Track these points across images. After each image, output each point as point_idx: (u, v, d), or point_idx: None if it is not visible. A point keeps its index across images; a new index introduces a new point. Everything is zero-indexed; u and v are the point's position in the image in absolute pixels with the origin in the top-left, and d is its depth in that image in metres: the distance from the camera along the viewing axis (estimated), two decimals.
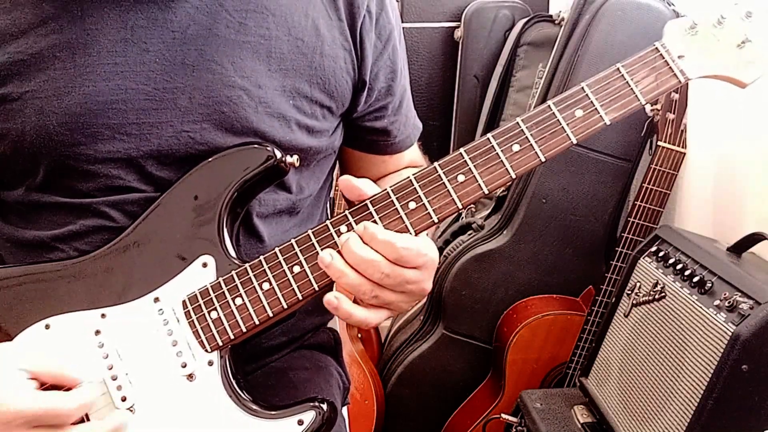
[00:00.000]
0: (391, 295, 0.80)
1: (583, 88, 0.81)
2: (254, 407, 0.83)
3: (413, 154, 1.11)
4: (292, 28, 0.91)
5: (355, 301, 0.81)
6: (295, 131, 0.91)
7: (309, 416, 0.82)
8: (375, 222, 0.81)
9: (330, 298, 0.78)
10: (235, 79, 0.88)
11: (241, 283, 0.83)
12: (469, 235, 1.86)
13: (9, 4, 0.86)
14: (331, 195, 1.13)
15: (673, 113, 1.50)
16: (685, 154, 1.51)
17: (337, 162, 1.10)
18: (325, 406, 0.82)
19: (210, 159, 0.87)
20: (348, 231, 0.81)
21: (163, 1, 0.86)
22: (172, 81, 0.86)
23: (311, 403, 0.83)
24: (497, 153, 0.81)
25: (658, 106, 1.51)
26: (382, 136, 1.05)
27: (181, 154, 0.87)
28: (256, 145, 0.87)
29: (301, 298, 0.82)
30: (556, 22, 2.01)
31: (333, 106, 0.96)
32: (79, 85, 0.85)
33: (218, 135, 0.87)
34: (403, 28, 1.12)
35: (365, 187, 0.81)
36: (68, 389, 0.80)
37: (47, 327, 0.85)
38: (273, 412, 0.83)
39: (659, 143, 1.51)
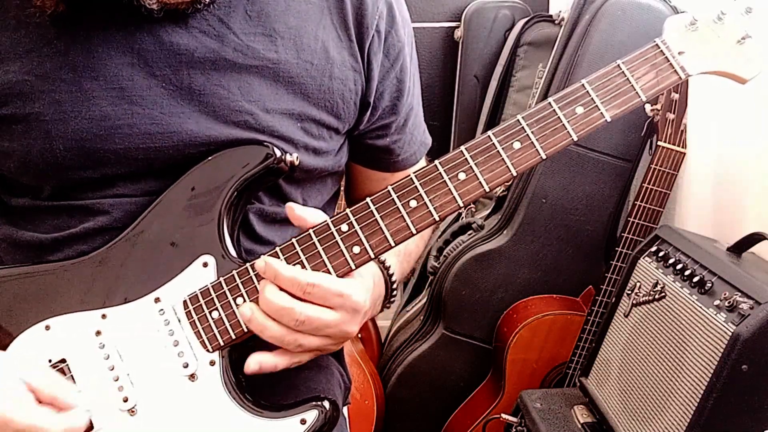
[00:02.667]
0: (314, 341, 0.82)
1: (583, 84, 0.81)
2: (256, 407, 0.83)
3: None
4: (302, 51, 0.90)
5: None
6: (302, 153, 0.91)
7: (311, 415, 0.82)
8: (377, 221, 0.81)
9: (253, 367, 0.81)
10: (242, 104, 0.87)
11: (242, 282, 0.83)
12: (469, 235, 1.85)
13: (14, 22, 0.85)
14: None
15: (673, 113, 1.50)
16: (685, 154, 1.51)
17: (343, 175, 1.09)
18: (327, 405, 0.82)
19: (209, 158, 0.87)
20: (349, 229, 0.81)
21: (169, 24, 0.85)
22: (178, 105, 0.85)
23: (314, 402, 0.83)
24: (498, 150, 0.81)
25: (658, 106, 1.51)
26: (384, 153, 1.04)
27: (187, 168, 0.87)
28: (255, 144, 0.87)
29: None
30: (556, 22, 2.00)
31: (340, 127, 0.95)
32: (86, 110, 0.84)
33: None
34: None
35: (311, 217, 0.83)
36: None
37: (47, 328, 0.85)
38: (275, 412, 0.83)
39: (659, 143, 1.50)
